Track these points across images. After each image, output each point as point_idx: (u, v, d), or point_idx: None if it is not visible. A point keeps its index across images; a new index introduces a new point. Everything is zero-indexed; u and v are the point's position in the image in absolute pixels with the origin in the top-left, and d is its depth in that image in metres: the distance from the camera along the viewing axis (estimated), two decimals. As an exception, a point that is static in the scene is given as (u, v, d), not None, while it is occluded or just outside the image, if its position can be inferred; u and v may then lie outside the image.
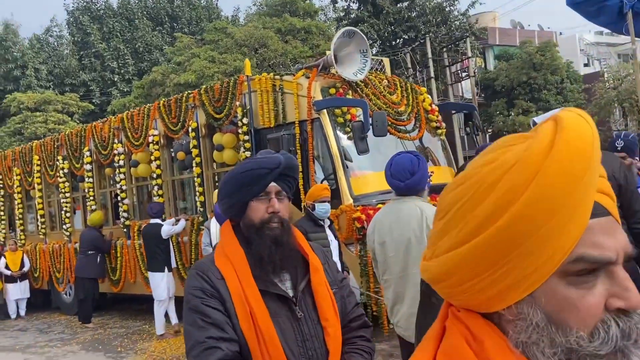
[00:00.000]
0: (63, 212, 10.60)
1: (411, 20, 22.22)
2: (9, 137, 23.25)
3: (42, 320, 10.56)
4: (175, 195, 9.14)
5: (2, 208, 12.54)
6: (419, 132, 7.28)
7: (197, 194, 7.99)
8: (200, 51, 20.85)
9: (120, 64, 30.15)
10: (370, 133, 6.28)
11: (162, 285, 7.76)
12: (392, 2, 22.23)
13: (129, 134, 9.09)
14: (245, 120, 7.25)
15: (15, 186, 11.85)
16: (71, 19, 32.09)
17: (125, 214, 9.24)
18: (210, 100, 7.77)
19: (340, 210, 6.28)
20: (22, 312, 11.22)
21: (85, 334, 8.79)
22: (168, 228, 7.92)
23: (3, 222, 12.56)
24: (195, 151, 7.95)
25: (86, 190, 9.98)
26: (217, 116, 7.70)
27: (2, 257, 10.98)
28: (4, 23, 29.50)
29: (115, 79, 29.85)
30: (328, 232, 4.94)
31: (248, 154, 7.21)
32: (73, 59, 29.94)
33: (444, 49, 21.77)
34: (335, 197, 6.47)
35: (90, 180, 9.95)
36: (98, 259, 9.29)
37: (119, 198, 9.33)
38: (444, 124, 7.71)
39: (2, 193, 12.50)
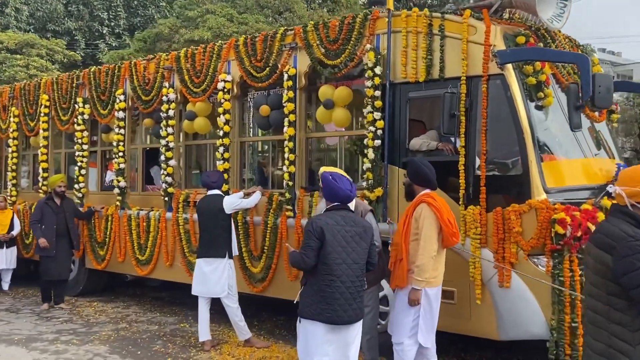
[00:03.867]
0: (77, 168, 8.45)
1: None
2: (-18, 78, 20.44)
3: (33, 299, 8.41)
4: (244, 162, 7.16)
5: (-11, 155, 10.24)
6: (600, 114, 5.59)
7: (287, 162, 6.07)
8: (215, 8, 18.63)
9: (111, 16, 27.41)
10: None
11: (219, 277, 5.82)
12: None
13: (187, 77, 7.06)
14: (378, 70, 5.38)
15: (10, 130, 9.57)
16: (59, -41, 29.00)
17: (169, 179, 7.22)
18: (322, 40, 5.86)
19: (529, 206, 4.52)
20: (6, 287, 9.03)
21: (104, 327, 6.76)
22: (233, 200, 6.00)
23: (-12, 172, 10.25)
24: (290, 106, 6.03)
25: (115, 144, 7.87)
26: (330, 62, 5.80)
27: (-11, 216, 8.75)
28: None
29: (104, 32, 27.11)
30: None
31: (378, 115, 5.36)
32: (59, 3, 26.99)
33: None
34: (514, 186, 4.73)
35: (122, 131, 7.85)
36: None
37: (162, 157, 7.30)
38: (618, 107, 6.07)
39: (-10, 138, 10.19)
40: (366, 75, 5.45)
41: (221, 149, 6.64)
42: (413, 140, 5.30)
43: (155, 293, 8.87)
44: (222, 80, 6.65)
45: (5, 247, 8.82)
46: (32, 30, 25.80)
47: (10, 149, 9.61)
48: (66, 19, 27.06)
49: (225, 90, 6.64)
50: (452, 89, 4.90)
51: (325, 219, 3.84)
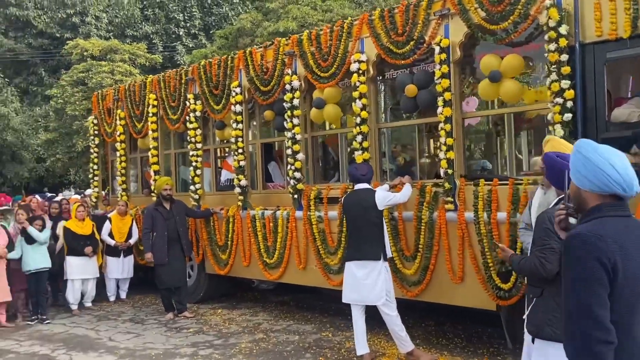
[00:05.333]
0: (192, 169, 8.01)
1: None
2: (71, 87, 20.87)
3: (154, 308, 8.08)
4: (385, 151, 6.43)
5: (96, 160, 10.06)
6: None
7: (444, 148, 5.26)
8: (297, -3, 18.05)
9: (186, 17, 27.52)
10: None
11: (374, 282, 5.10)
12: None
13: (312, 61, 6.39)
14: (563, 30, 4.47)
15: (117, 133, 9.31)
16: (133, -35, 29.45)
17: (297, 175, 6.60)
18: (482, 2, 5.00)
19: None
20: (123, 295, 8.79)
21: (240, 339, 6.23)
22: (386, 194, 5.26)
23: (96, 178, 10.08)
24: (444, 82, 5.22)
25: (234, 140, 7.34)
26: (493, 27, 4.93)
27: (108, 222, 8.49)
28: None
29: (180, 33, 27.26)
30: None
31: (566, 83, 4.45)
32: (136, 8, 27.38)
33: None
34: None
35: (239, 126, 7.31)
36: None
37: (287, 152, 6.69)
38: None
39: (96, 142, 10.01)
40: (546, 37, 4.55)
41: (359, 138, 5.92)
42: (616, 111, 4.36)
43: (278, 297, 8.34)
44: (355, 61, 5.92)
45: (123, 255, 8.55)
46: (112, 37, 26.27)
47: (118, 153, 9.36)
48: (143, 23, 27.42)
49: (360, 71, 5.91)
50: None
51: None
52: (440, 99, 5.25)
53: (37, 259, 7.41)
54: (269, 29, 17.09)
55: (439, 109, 5.25)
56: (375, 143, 6.03)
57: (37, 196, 11.45)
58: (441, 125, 5.27)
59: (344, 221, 5.62)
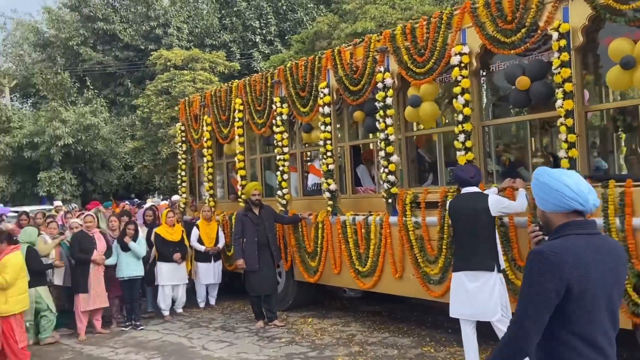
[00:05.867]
0: (279, 173, 7.82)
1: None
2: (155, 96, 21.57)
3: (243, 315, 7.95)
4: (489, 152, 5.92)
5: (184, 167, 10.14)
6: None
7: (565, 145, 4.69)
8: (374, -3, 17.67)
9: (262, 24, 27.82)
10: None
11: (488, 296, 4.61)
12: None
13: (407, 56, 5.99)
14: None
15: (204, 139, 9.30)
16: (211, -24, 30.18)
17: (391, 178, 6.21)
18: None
19: None
20: (213, 301, 8.74)
21: (336, 351, 5.91)
22: (501, 200, 4.77)
23: (184, 184, 10.16)
24: (564, 72, 4.65)
25: (322, 143, 7.06)
26: (627, 7, 4.34)
27: (195, 228, 8.48)
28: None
29: (257, 40, 27.58)
30: None
31: None
32: (215, 17, 28.00)
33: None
34: None
35: (328, 128, 7.03)
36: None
37: (380, 154, 6.32)
38: None
39: (184, 148, 10.09)
40: (693, 14, 3.92)
41: (461, 137, 5.45)
42: None
43: (369, 306, 7.97)
44: (456, 54, 5.47)
45: (213, 260, 8.51)
46: (192, 47, 26.99)
47: (205, 159, 9.36)
48: (221, 32, 27.98)
49: (462, 65, 5.45)
50: None
51: None
52: (559, 90, 4.70)
53: (131, 266, 7.47)
54: (346, 31, 16.82)
55: (559, 102, 4.70)
56: (480, 142, 5.54)
57: (127, 202, 11.75)
58: (561, 120, 4.71)
59: (449, 228, 5.17)
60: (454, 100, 5.53)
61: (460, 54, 5.45)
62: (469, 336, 4.78)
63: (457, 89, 5.47)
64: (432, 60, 5.74)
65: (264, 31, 27.87)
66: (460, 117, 5.47)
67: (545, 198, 2.02)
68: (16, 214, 10.71)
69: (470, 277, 4.74)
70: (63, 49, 27.97)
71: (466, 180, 4.86)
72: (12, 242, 6.03)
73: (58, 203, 14.07)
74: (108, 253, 7.38)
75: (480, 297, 4.67)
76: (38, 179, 20.85)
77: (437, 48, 5.68)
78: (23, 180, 22.25)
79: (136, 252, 7.44)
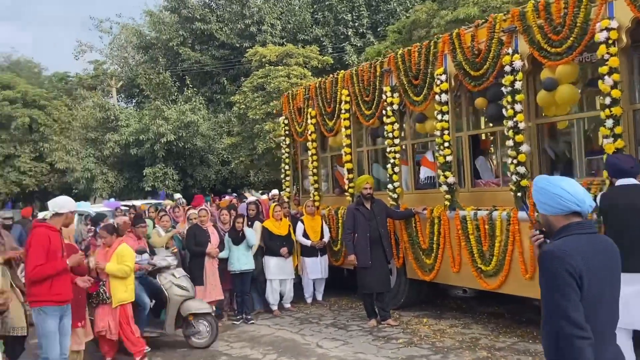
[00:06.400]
0: (390, 166, 7.48)
1: None
2: (252, 92, 21.92)
3: (352, 312, 7.71)
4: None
5: (287, 160, 10.07)
6: None
7: None
8: (476, -19, 16.76)
9: (354, 17, 27.53)
10: None
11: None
12: None
13: (540, 35, 5.43)
14: None
15: (309, 132, 9.15)
16: (303, -29, 30.29)
17: (520, 169, 5.69)
18: None
19: None
20: (319, 296, 8.58)
21: (461, 356, 5.50)
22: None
23: (288, 178, 10.09)
24: None
25: (439, 133, 6.64)
26: None
27: (300, 223, 8.35)
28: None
29: (349, 33, 27.31)
30: None
31: None
32: (307, 12, 28.07)
33: None
34: None
35: (445, 117, 6.59)
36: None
37: (508, 143, 5.81)
38: None
39: (287, 142, 10.01)
40: None
41: (609, 122, 4.85)
42: None
43: (487, 307, 7.46)
44: (602, 29, 4.86)
45: (319, 255, 8.35)
46: (284, 43, 27.24)
47: (309, 152, 9.21)
48: (314, 27, 28.00)
49: (610, 42, 4.84)
50: None
51: None
52: None
53: (241, 260, 7.46)
54: (446, 18, 16.10)
55: None
56: (630, 128, 4.90)
57: (234, 196, 11.91)
58: None
59: (598, 224, 4.60)
60: (600, 82, 4.92)
61: (608, 29, 4.84)
62: (624, 346, 4.19)
63: (603, 69, 4.87)
64: (572, 38, 5.15)
65: (356, 24, 27.55)
66: (608, 101, 4.86)
67: (546, 202, 2.19)
68: (126, 208, 11.17)
69: (627, 279, 4.07)
70: (164, 50, 29.21)
71: (625, 171, 4.27)
72: (119, 234, 6.22)
73: (178, 195, 14.66)
74: (220, 247, 7.41)
75: (637, 303, 4.09)
76: (143, 174, 21.89)
77: (578, 24, 5.09)
78: (130, 175, 23.49)
79: (249, 240, 7.46)
